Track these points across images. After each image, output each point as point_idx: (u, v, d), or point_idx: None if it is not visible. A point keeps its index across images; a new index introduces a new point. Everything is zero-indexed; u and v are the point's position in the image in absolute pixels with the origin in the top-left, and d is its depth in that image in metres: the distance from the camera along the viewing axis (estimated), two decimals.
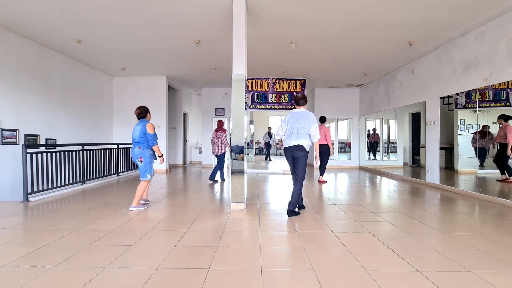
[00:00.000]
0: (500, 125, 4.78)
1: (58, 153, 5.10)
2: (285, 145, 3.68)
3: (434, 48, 5.83)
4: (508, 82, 4.34)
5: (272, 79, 8.73)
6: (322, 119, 6.58)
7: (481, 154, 5.11)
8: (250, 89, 8.71)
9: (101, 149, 6.46)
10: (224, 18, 4.56)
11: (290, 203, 3.58)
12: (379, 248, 2.54)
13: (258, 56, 6.48)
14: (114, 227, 3.07)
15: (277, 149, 12.88)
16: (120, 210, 3.85)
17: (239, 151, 3.93)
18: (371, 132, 9.62)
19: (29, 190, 4.46)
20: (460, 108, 5.41)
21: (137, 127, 3.86)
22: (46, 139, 6.00)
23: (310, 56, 6.52)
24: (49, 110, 6.10)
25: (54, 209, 3.95)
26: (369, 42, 5.59)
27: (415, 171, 7.33)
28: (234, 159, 3.95)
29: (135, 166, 8.10)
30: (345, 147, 10.82)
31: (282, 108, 8.76)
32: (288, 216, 3.55)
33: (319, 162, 3.77)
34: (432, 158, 5.94)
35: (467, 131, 5.38)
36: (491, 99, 4.73)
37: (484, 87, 4.70)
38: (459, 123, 5.53)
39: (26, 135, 5.44)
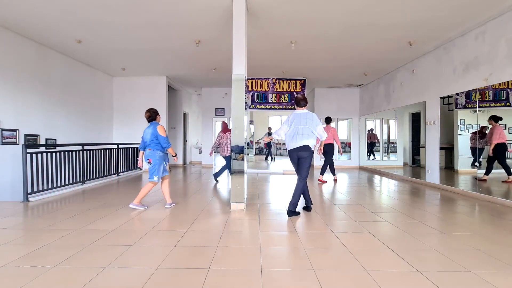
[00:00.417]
0: (490, 126, 4.88)
1: (58, 153, 5.10)
2: (290, 147, 3.69)
3: (434, 48, 5.83)
4: (508, 82, 4.34)
5: (272, 79, 8.73)
6: (328, 120, 6.69)
7: (480, 154, 5.13)
8: (250, 89, 8.71)
9: (101, 149, 6.46)
10: (224, 18, 4.56)
11: (290, 203, 3.58)
12: (379, 248, 2.54)
13: (258, 56, 6.48)
14: (114, 227, 3.07)
15: (277, 149, 12.88)
16: (120, 210, 3.85)
17: (239, 151, 3.93)
18: (368, 132, 9.64)
19: (29, 190, 4.46)
20: (460, 108, 5.41)
21: (147, 130, 3.90)
22: (46, 139, 6.00)
23: (310, 56, 6.52)
24: (49, 110, 6.10)
25: (54, 209, 3.95)
26: (369, 42, 5.59)
27: (415, 171, 7.33)
28: (234, 159, 3.95)
29: (135, 166, 8.11)
30: (345, 147, 10.83)
31: (282, 108, 8.76)
32: (288, 216, 3.56)
33: (321, 155, 3.85)
34: (432, 158, 5.94)
35: (467, 131, 5.38)
36: (491, 99, 4.73)
37: (484, 87, 4.70)
38: (459, 123, 5.53)
39: (26, 135, 5.44)
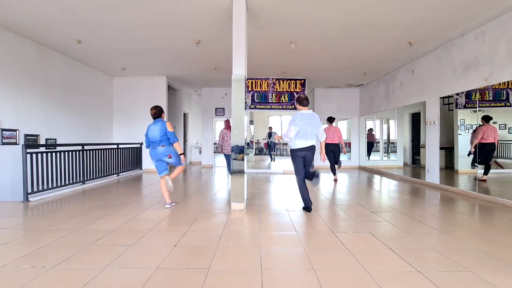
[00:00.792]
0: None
1: (58, 153, 5.10)
2: (298, 146, 3.76)
3: (434, 48, 5.83)
4: (508, 82, 4.34)
5: (272, 79, 8.73)
6: (331, 120, 6.81)
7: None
8: (250, 89, 8.71)
9: (101, 149, 6.46)
10: (224, 18, 4.56)
11: (305, 201, 3.81)
12: (379, 248, 2.55)
13: (258, 56, 6.48)
14: (114, 227, 3.07)
15: (277, 149, 12.87)
16: (120, 210, 3.85)
17: (239, 151, 3.93)
18: (368, 132, 9.64)
19: (29, 190, 4.47)
20: (460, 108, 5.41)
21: (154, 126, 3.92)
22: (46, 139, 6.00)
23: (310, 56, 6.52)
24: (49, 110, 6.10)
25: (54, 209, 3.95)
26: (369, 42, 5.59)
27: (415, 171, 7.33)
28: (234, 159, 3.95)
29: (135, 166, 8.11)
30: (345, 147, 10.80)
31: (282, 108, 8.76)
32: (310, 212, 3.77)
33: (326, 159, 4.03)
34: (432, 158, 5.94)
35: (467, 131, 5.38)
36: (491, 99, 4.73)
37: (484, 87, 4.70)
38: (459, 123, 5.53)
39: (26, 135, 5.44)
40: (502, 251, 2.45)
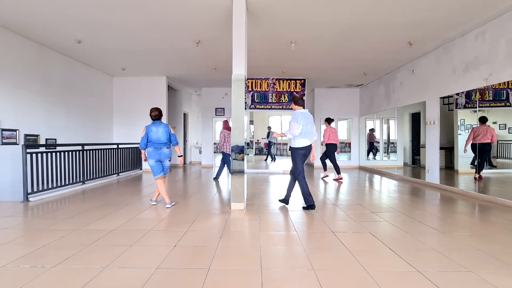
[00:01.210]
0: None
1: (58, 153, 5.10)
2: (302, 145, 3.85)
3: (434, 48, 5.83)
4: (508, 82, 4.34)
5: (272, 79, 8.73)
6: (329, 120, 6.93)
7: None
8: (250, 89, 8.71)
9: (101, 149, 6.46)
10: (224, 18, 4.56)
11: (306, 200, 3.87)
12: (379, 248, 2.55)
13: (258, 56, 6.48)
14: (114, 227, 3.07)
15: (276, 148, 12.87)
16: (120, 210, 3.85)
17: (239, 151, 3.93)
18: (369, 131, 9.63)
19: (29, 190, 4.47)
20: (460, 108, 5.41)
21: (158, 128, 3.97)
22: (46, 139, 6.00)
23: (310, 56, 6.52)
24: (49, 110, 6.10)
25: (54, 209, 3.95)
26: (369, 42, 5.59)
27: (415, 171, 7.33)
28: (234, 159, 3.95)
29: (135, 166, 8.11)
30: (345, 147, 10.82)
31: (282, 108, 8.76)
32: (313, 209, 3.86)
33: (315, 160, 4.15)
34: (432, 158, 5.94)
35: (467, 131, 5.38)
36: (491, 99, 4.73)
37: (484, 87, 4.70)
38: (459, 123, 5.53)
39: (26, 135, 5.44)
40: (502, 251, 2.45)
